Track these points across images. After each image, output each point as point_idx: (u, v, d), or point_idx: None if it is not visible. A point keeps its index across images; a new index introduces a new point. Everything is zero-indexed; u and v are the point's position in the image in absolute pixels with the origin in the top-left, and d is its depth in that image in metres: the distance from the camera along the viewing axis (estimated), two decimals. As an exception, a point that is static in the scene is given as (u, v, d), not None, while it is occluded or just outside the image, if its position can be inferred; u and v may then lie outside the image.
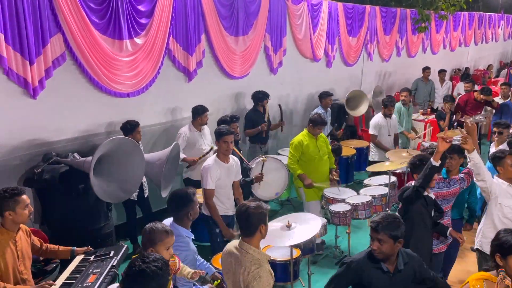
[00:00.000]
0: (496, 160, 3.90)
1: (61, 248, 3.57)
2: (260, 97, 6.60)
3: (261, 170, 5.14)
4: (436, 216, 3.74)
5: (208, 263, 3.60)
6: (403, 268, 2.82)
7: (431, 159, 3.48)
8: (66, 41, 4.61)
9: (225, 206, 4.43)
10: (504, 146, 4.96)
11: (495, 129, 5.38)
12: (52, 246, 3.57)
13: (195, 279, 3.08)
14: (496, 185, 3.81)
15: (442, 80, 10.78)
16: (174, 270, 2.89)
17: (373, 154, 6.87)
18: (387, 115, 6.76)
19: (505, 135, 5.29)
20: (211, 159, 4.37)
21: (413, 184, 3.61)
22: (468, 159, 3.84)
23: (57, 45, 4.56)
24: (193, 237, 3.39)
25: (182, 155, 5.58)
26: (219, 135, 4.32)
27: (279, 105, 7.01)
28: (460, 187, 4.04)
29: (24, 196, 3.14)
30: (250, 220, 2.70)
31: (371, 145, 6.92)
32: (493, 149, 5.23)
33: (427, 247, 3.68)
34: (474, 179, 3.90)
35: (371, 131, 6.77)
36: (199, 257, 3.51)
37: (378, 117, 6.80)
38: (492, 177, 3.88)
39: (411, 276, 2.88)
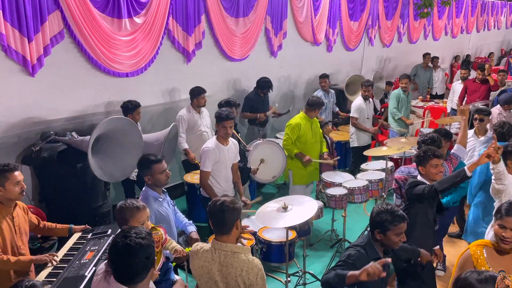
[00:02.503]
0: (509, 154, 3.68)
1: (59, 226, 3.60)
2: (263, 85, 6.60)
3: (258, 166, 5.16)
4: (438, 211, 3.63)
5: (189, 221, 3.70)
6: (391, 252, 2.81)
7: (465, 168, 3.29)
8: (65, 19, 4.57)
9: (223, 188, 4.44)
10: (489, 135, 4.89)
11: (476, 115, 5.13)
12: (49, 224, 3.59)
13: (175, 255, 3.13)
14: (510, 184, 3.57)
15: (435, 67, 10.76)
16: (161, 242, 2.88)
17: (353, 141, 6.78)
18: (366, 98, 6.68)
19: (486, 122, 5.13)
20: (212, 141, 4.37)
21: (429, 182, 3.45)
22: (491, 167, 3.56)
23: (55, 22, 4.52)
24: (161, 199, 3.44)
25: (185, 145, 5.58)
26: (219, 119, 4.31)
27: (289, 110, 7.07)
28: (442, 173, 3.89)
29: (16, 173, 3.10)
30: (226, 216, 2.55)
31: (351, 130, 6.81)
32: (473, 137, 5.06)
33: (428, 241, 3.54)
34: (493, 182, 3.62)
35: (352, 114, 6.67)
36: (179, 214, 3.67)
37: (359, 100, 6.70)
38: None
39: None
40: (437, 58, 10.89)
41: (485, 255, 2.71)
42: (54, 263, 3.18)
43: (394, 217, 2.66)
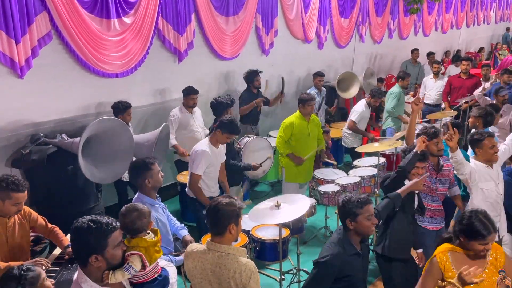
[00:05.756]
0: (475, 142, 3.84)
1: (63, 237, 3.40)
2: (249, 78, 6.60)
3: (261, 163, 5.12)
4: (418, 210, 3.69)
5: (181, 225, 3.67)
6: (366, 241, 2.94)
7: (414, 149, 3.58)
8: (52, 20, 4.53)
9: (211, 190, 4.42)
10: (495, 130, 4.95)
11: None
12: (57, 230, 3.44)
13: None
14: (475, 171, 3.74)
15: (431, 63, 10.78)
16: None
17: (349, 141, 6.65)
18: (371, 105, 6.51)
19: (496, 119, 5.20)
20: (205, 144, 4.29)
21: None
22: (450, 156, 3.76)
23: (42, 23, 4.47)
24: (158, 204, 3.40)
25: (174, 141, 5.57)
26: (230, 130, 4.21)
27: (282, 78, 6.97)
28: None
29: (20, 194, 3.00)
30: (219, 216, 2.50)
31: (346, 132, 6.65)
32: None
33: (406, 237, 3.61)
34: (455, 173, 3.84)
35: (353, 118, 6.42)
36: (171, 217, 3.62)
37: (362, 106, 6.47)
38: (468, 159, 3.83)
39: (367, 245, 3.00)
40: (433, 54, 10.90)
41: (451, 260, 2.73)
42: (45, 268, 3.13)
43: (359, 200, 2.75)
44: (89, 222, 2.13)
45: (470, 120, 5.09)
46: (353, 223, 2.76)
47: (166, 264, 2.79)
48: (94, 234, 2.12)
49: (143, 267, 2.41)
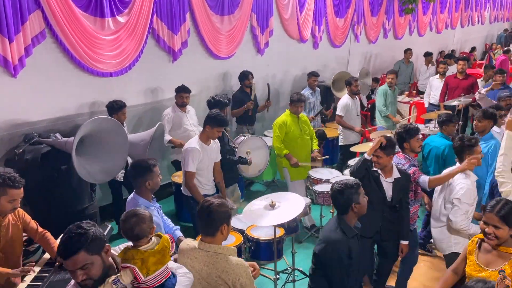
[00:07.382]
0: (468, 148, 3.64)
1: (54, 244, 3.37)
2: (241, 77, 6.61)
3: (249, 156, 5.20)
4: (390, 202, 3.64)
5: (176, 226, 3.63)
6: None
7: (365, 154, 3.64)
8: (46, 18, 4.50)
9: (206, 188, 4.43)
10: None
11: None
12: (49, 236, 3.39)
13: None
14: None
15: (428, 63, 10.81)
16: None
17: (340, 139, 6.66)
18: (354, 93, 6.54)
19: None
20: (194, 141, 4.32)
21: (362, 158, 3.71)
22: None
23: (36, 22, 4.45)
24: (153, 207, 3.35)
25: (168, 137, 5.56)
26: (218, 123, 4.23)
27: (268, 84, 6.98)
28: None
29: (16, 191, 2.99)
30: (212, 217, 2.53)
31: (339, 128, 6.67)
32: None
33: (372, 225, 3.61)
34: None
35: (338, 112, 6.49)
36: (165, 218, 3.56)
37: (345, 99, 6.52)
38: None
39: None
40: (431, 54, 10.94)
41: (477, 246, 2.75)
42: (32, 273, 3.12)
43: (355, 183, 2.92)
44: (78, 230, 2.03)
45: (477, 124, 4.62)
46: (357, 206, 2.88)
47: (184, 272, 2.51)
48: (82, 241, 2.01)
49: (135, 279, 2.29)
